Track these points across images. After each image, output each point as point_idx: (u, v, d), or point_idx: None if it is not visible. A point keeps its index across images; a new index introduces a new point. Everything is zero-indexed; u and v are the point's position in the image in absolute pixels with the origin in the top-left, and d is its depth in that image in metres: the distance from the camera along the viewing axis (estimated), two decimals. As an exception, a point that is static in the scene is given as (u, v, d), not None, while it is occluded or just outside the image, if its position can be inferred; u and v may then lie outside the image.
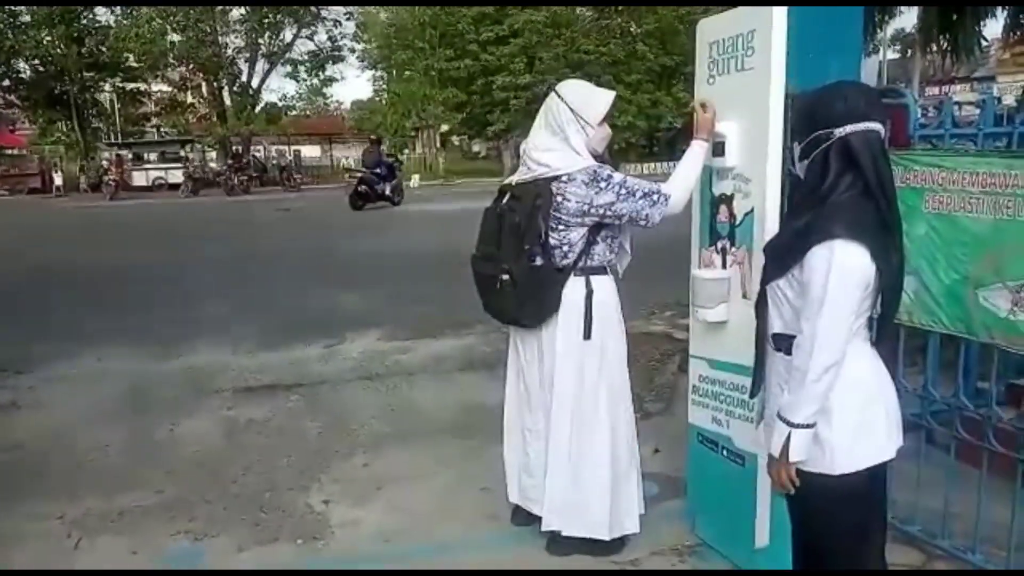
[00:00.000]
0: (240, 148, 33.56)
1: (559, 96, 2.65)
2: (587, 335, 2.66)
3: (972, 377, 2.95)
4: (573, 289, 2.66)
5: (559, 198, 2.57)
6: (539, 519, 2.80)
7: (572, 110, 2.61)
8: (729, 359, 2.59)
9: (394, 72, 36.85)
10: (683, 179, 2.61)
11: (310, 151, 41.19)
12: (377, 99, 39.11)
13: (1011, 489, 2.47)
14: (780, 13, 2.32)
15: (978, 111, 2.72)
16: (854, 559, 1.85)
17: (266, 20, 33.45)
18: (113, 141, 33.68)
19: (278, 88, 68.66)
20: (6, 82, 33.58)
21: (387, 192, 18.39)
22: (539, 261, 2.61)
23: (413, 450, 3.86)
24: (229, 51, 34.52)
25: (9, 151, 34.96)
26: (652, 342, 5.66)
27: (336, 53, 36.62)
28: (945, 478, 2.61)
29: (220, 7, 32.52)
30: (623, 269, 2.85)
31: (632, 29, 32.65)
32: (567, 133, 2.61)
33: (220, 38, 33.60)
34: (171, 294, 8.23)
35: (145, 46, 31.22)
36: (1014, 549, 2.45)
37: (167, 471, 3.69)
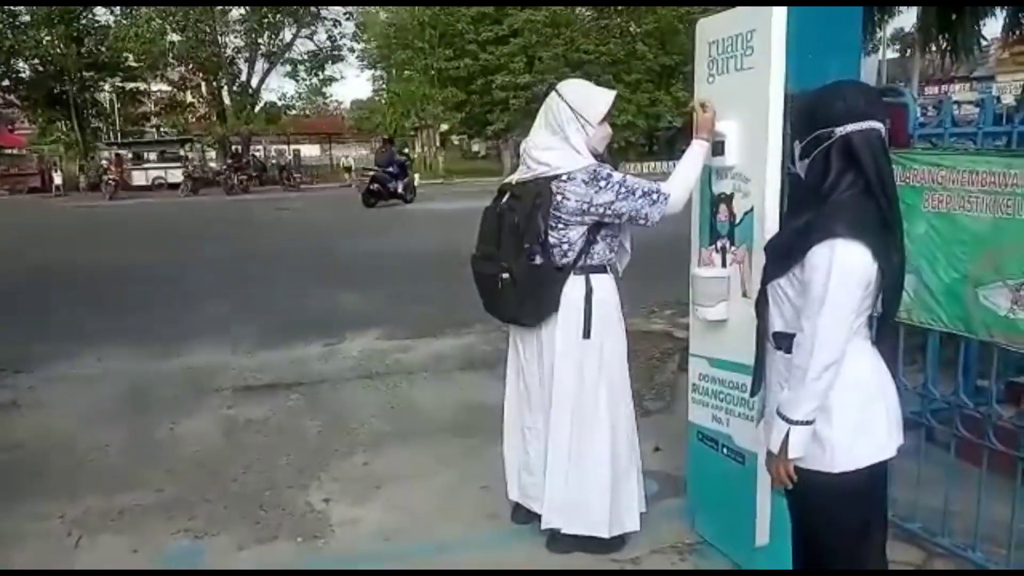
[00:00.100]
0: (239, 148, 33.55)
1: (560, 95, 2.65)
2: (587, 334, 2.66)
3: (972, 375, 2.96)
4: (573, 288, 2.66)
5: (559, 197, 2.57)
6: (539, 517, 2.80)
7: (572, 109, 2.61)
8: (729, 357, 2.60)
9: (393, 72, 36.83)
10: (683, 178, 2.61)
11: (309, 151, 41.21)
12: (377, 99, 39.05)
13: (1011, 487, 2.47)
14: (780, 12, 2.32)
15: (977, 110, 2.72)
16: (854, 557, 1.85)
17: (266, 20, 33.43)
18: (113, 141, 33.65)
19: (277, 88, 68.65)
20: (6, 82, 33.52)
21: (399, 190, 18.71)
22: (539, 260, 2.62)
23: (413, 449, 3.86)
24: (228, 51, 34.53)
25: (9, 151, 34.89)
26: (652, 340, 5.67)
27: (335, 53, 36.62)
28: (945, 476, 2.62)
29: (219, 7, 32.49)
30: (623, 268, 2.85)
31: (631, 29, 32.62)
32: (567, 132, 2.61)
33: (219, 38, 33.56)
34: (171, 293, 8.23)
35: (144, 46, 31.19)
36: (1014, 547, 2.45)
37: (167, 470, 3.69)
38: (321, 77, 36.24)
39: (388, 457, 3.80)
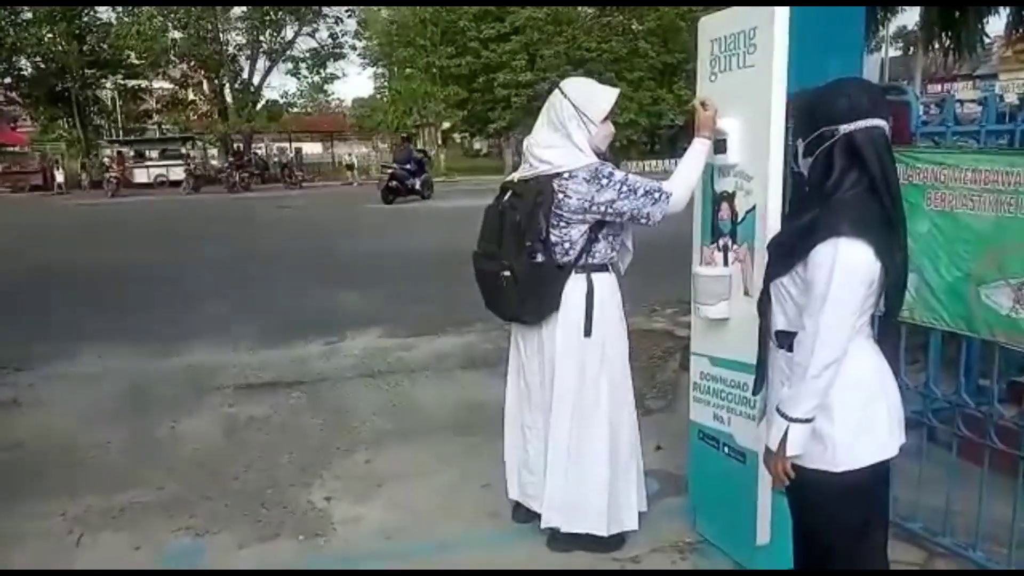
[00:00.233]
0: (241, 145, 33.55)
1: (563, 93, 2.65)
2: (588, 332, 2.66)
3: (973, 374, 2.95)
4: (574, 286, 2.65)
5: (560, 195, 2.57)
6: (539, 516, 2.80)
7: (575, 107, 2.60)
8: (730, 356, 2.59)
9: (395, 69, 36.79)
10: (684, 177, 2.60)
11: (311, 148, 41.22)
12: (378, 96, 39.05)
13: (1012, 487, 2.46)
14: (782, 11, 2.31)
15: (980, 108, 2.71)
16: (854, 556, 1.85)
17: (267, 17, 33.40)
18: (114, 138, 33.68)
19: (279, 85, 68.69)
20: (7, 79, 33.54)
21: (417, 186, 19.23)
22: (540, 258, 2.61)
23: (414, 447, 3.86)
24: (230, 48, 34.51)
25: (10, 149, 34.91)
26: (654, 339, 5.66)
27: (337, 50, 36.62)
28: (946, 475, 2.61)
29: (221, 5, 32.51)
30: (625, 267, 2.85)
31: (633, 27, 32.58)
32: (569, 130, 2.60)
33: (221, 35, 33.58)
34: (172, 292, 8.23)
35: (146, 43, 31.21)
36: (1015, 547, 2.45)
37: (168, 468, 3.69)
38: (323, 75, 36.27)
39: (389, 455, 3.80)
